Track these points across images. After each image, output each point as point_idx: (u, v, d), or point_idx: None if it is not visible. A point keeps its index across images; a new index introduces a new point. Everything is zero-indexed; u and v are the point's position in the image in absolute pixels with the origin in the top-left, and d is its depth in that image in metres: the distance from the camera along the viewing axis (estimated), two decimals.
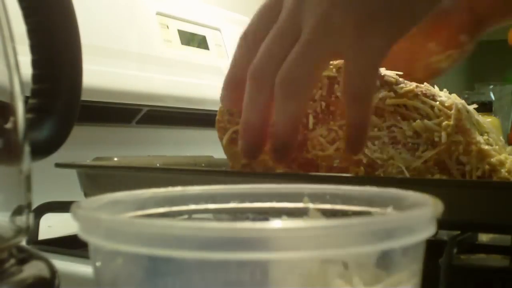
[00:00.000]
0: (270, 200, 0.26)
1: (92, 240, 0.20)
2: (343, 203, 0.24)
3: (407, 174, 0.44)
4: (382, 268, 0.19)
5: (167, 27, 0.93)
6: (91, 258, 0.21)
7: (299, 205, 0.25)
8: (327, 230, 0.18)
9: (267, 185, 0.26)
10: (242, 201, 0.26)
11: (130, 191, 0.24)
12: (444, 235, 0.47)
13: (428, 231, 0.20)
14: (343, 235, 0.18)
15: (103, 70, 0.78)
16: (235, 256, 0.17)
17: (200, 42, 0.99)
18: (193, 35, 0.98)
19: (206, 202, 0.25)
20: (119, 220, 0.20)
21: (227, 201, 0.26)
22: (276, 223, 0.18)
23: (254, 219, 0.26)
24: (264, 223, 0.18)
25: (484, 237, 0.51)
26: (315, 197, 0.25)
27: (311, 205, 0.25)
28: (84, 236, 0.20)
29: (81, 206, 0.21)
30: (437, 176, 0.44)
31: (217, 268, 0.18)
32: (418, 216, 0.20)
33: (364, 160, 0.45)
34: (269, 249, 0.17)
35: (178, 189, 0.25)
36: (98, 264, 0.20)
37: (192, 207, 0.25)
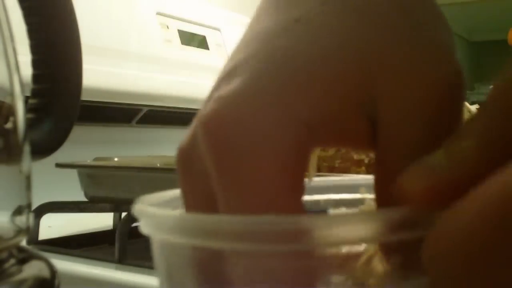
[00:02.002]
0: (328, 192, 0.26)
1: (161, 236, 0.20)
2: None
3: None
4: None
5: (167, 27, 0.93)
6: (155, 254, 0.21)
7: (356, 196, 0.26)
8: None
9: (325, 178, 0.27)
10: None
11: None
12: None
13: None
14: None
15: (103, 70, 0.78)
16: (285, 248, 0.17)
17: (200, 42, 0.99)
18: (193, 35, 0.98)
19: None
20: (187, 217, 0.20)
21: None
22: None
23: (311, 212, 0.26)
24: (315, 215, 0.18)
25: None
26: (372, 188, 0.26)
27: (368, 196, 0.26)
28: (148, 231, 0.20)
29: (145, 202, 0.21)
30: None
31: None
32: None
33: (366, 160, 0.46)
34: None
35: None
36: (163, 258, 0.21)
37: None
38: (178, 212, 0.22)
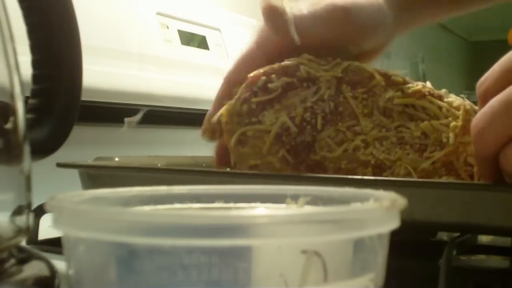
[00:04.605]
0: (254, 201, 0.26)
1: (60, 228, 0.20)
2: (324, 204, 0.25)
3: (414, 176, 0.44)
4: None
5: (167, 27, 0.93)
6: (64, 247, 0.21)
7: (282, 206, 0.26)
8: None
9: (251, 186, 0.26)
10: (227, 201, 0.26)
11: (115, 188, 0.24)
12: (444, 235, 0.47)
13: (381, 226, 0.20)
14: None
15: (103, 70, 0.78)
16: (216, 243, 0.18)
17: (200, 42, 0.99)
18: (193, 35, 0.98)
19: (191, 201, 0.25)
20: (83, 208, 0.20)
21: (212, 201, 0.26)
22: (255, 211, 0.18)
23: None
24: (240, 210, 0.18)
25: (484, 238, 0.51)
26: (297, 198, 0.25)
27: (293, 206, 0.25)
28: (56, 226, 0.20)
29: (58, 198, 0.21)
30: (444, 178, 0.43)
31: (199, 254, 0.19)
32: (362, 210, 0.20)
33: (372, 161, 0.45)
34: (247, 235, 0.18)
35: (163, 188, 0.25)
36: (67, 252, 0.20)
37: (177, 206, 0.25)
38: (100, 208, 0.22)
